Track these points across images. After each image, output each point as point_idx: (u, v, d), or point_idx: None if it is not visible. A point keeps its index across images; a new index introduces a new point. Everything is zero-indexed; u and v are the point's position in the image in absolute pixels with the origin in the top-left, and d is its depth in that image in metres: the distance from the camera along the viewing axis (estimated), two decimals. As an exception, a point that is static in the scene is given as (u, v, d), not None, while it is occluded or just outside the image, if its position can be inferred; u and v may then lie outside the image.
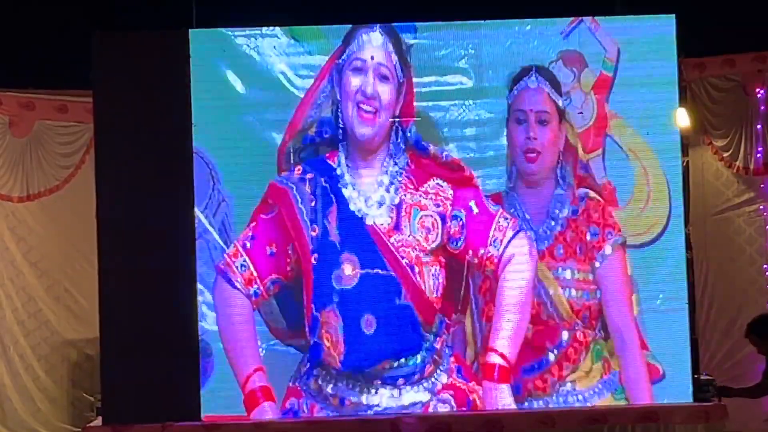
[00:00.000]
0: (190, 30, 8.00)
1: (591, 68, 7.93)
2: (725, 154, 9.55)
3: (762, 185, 9.56)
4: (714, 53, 9.45)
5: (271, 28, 7.97)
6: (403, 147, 7.86)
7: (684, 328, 7.90)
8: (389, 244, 7.73)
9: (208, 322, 7.85)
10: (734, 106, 9.56)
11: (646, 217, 7.94)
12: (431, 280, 7.78)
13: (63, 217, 9.66)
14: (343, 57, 7.85)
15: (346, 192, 7.79)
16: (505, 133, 7.90)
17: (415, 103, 7.89)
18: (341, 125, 7.82)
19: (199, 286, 7.84)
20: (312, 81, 7.91)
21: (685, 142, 8.15)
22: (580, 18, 7.92)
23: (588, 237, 7.86)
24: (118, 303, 7.82)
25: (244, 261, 7.77)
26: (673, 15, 8.00)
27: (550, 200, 7.90)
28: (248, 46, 7.96)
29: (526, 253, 7.78)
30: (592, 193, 7.92)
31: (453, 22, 7.98)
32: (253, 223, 7.81)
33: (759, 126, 9.45)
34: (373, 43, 7.83)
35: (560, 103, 7.89)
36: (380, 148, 7.83)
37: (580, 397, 7.85)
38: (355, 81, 7.78)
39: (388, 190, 7.81)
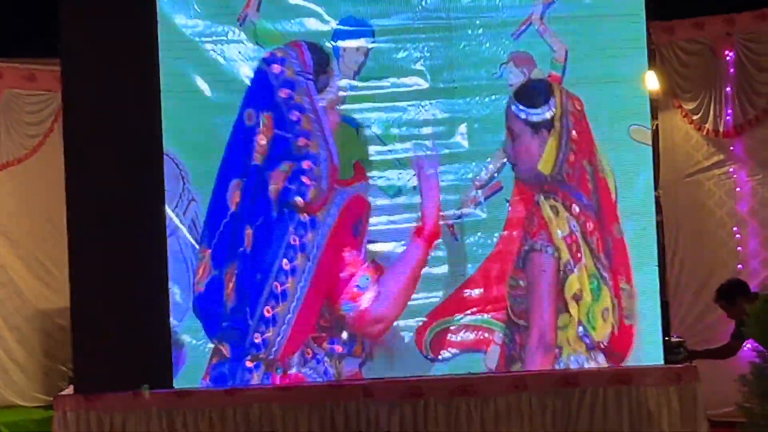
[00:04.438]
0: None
1: (540, 68, 8.09)
2: (695, 117, 9.59)
3: (731, 147, 9.60)
4: (683, 16, 9.47)
5: (237, 33, 8.01)
6: None
7: (654, 290, 7.97)
8: None
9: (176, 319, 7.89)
10: (703, 69, 9.59)
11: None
12: None
13: (33, 186, 9.62)
14: None
15: None
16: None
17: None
18: None
19: (173, 289, 7.88)
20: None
21: (655, 105, 8.19)
22: (530, 20, 8.06)
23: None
24: (88, 272, 7.79)
25: None
26: (642, -22, 8.04)
27: None
28: (214, 51, 8.01)
29: None
30: None
31: (409, 24, 8.09)
32: None
33: (728, 88, 9.49)
34: None
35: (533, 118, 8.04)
36: None
37: None
38: None
39: None
